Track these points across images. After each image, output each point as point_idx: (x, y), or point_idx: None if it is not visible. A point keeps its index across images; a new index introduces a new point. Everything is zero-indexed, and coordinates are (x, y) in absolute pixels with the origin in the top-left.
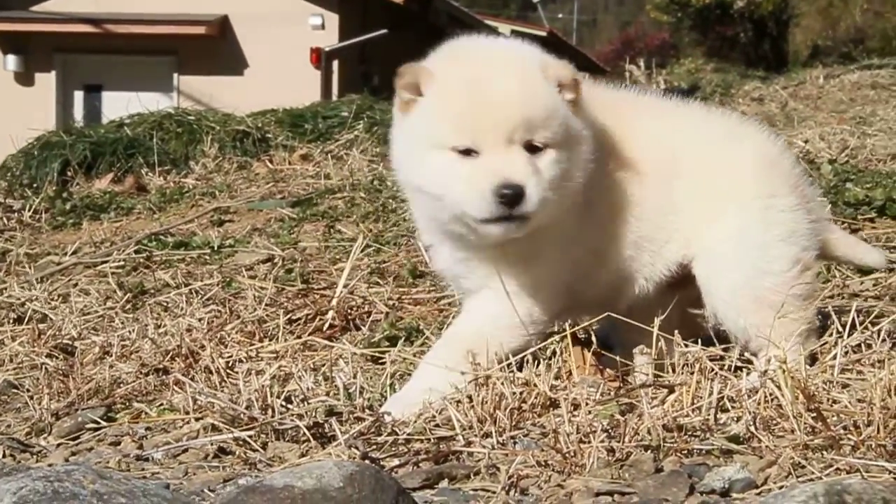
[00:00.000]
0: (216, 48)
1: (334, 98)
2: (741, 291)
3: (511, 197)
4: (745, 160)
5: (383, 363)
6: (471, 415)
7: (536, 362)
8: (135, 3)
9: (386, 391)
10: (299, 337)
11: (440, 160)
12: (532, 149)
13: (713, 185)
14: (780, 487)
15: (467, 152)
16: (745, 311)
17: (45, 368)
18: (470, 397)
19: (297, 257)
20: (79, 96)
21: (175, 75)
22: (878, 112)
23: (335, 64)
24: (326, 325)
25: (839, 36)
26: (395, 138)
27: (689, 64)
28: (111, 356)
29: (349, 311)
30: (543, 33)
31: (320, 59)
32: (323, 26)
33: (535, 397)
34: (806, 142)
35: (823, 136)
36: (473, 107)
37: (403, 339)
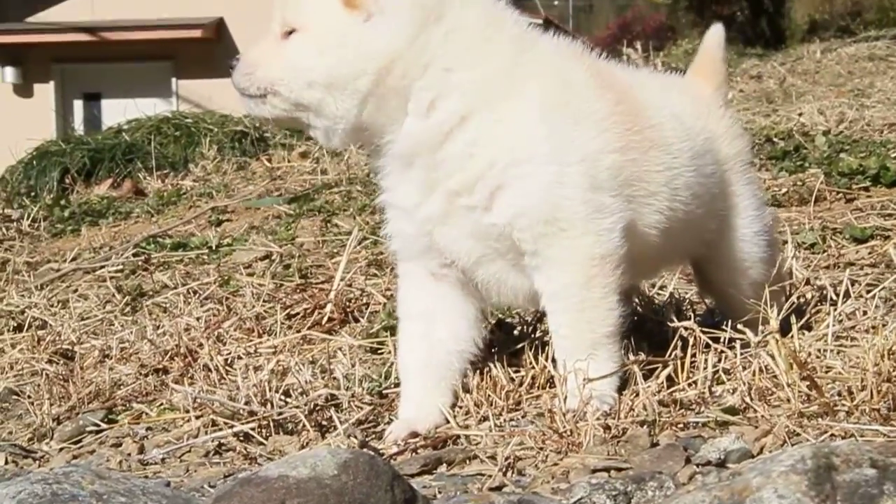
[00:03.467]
0: (213, 51)
1: None
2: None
3: (228, 67)
4: None
5: (382, 353)
6: (467, 399)
7: (533, 342)
8: (130, 9)
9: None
10: (298, 331)
11: None
12: (289, 34)
13: None
14: None
15: None
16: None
17: (46, 374)
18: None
19: (295, 253)
20: (78, 105)
21: (174, 80)
22: (875, 84)
23: None
24: (325, 318)
25: (836, 10)
26: None
27: (686, 45)
28: (111, 359)
29: (347, 303)
30: (539, 21)
31: None
32: None
33: (532, 378)
34: (800, 115)
35: (822, 110)
36: None
37: None
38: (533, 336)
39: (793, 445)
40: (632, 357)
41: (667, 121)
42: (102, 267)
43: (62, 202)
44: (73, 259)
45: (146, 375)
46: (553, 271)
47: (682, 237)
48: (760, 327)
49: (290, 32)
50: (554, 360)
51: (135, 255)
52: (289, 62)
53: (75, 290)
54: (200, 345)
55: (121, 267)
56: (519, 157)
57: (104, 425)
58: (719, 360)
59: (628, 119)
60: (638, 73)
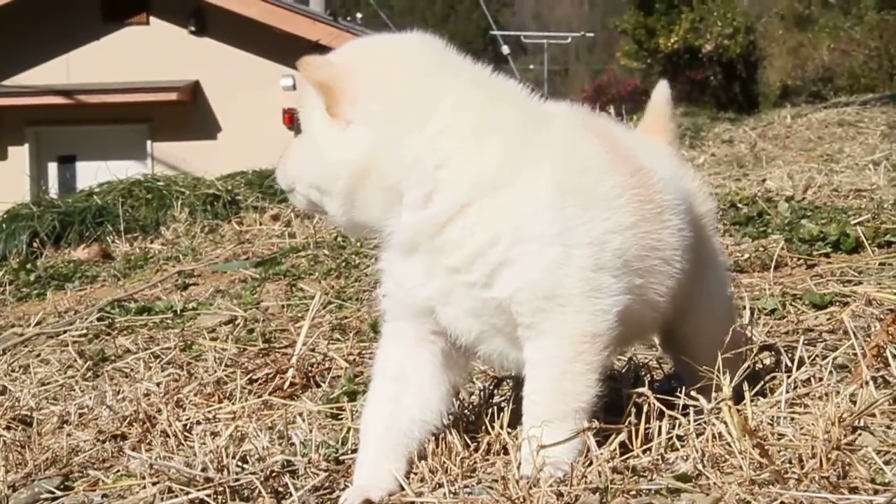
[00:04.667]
0: (189, 114)
1: None
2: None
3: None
4: None
5: (341, 418)
6: (423, 466)
7: (489, 407)
8: (106, 73)
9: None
10: (259, 396)
11: None
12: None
13: None
14: None
15: None
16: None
17: (3, 440)
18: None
19: (259, 317)
20: (53, 168)
21: (149, 142)
22: (844, 149)
23: None
24: (287, 383)
25: (808, 76)
26: None
27: None
28: (69, 425)
29: (309, 368)
30: None
31: (293, 119)
32: (294, 87)
33: (488, 444)
34: (764, 181)
35: (791, 175)
36: None
37: (363, 393)
38: (489, 402)
39: None
40: (585, 423)
41: (666, 183)
42: (66, 331)
43: (28, 266)
44: (38, 323)
45: (104, 442)
46: (543, 342)
47: (681, 287)
48: (714, 394)
49: None
50: (510, 427)
51: (99, 319)
52: (293, 162)
53: (38, 355)
54: (159, 410)
55: (84, 331)
56: (524, 235)
57: (59, 492)
58: (673, 427)
59: (641, 191)
60: (627, 131)
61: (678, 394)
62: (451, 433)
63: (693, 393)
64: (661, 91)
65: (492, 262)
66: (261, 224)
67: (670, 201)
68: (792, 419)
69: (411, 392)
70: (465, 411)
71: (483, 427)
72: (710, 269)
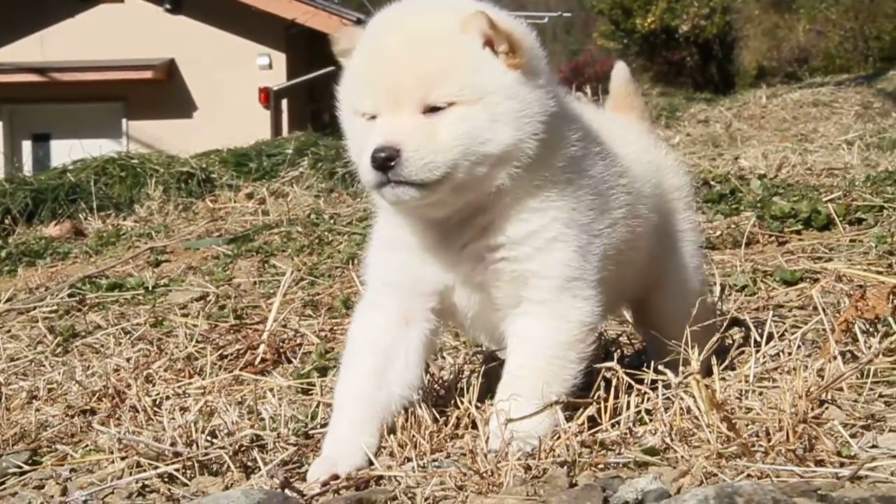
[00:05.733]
0: (164, 92)
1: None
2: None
3: (381, 160)
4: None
5: (312, 394)
6: (392, 440)
7: (458, 383)
8: (80, 50)
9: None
10: (230, 372)
11: (356, 127)
12: (436, 110)
13: None
14: None
15: (373, 117)
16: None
17: None
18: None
19: (231, 293)
20: (27, 146)
21: (124, 120)
22: (819, 129)
23: (284, 103)
24: (258, 359)
25: (784, 56)
26: None
27: None
28: (38, 400)
29: (281, 344)
30: None
31: (269, 98)
32: (270, 66)
33: (457, 419)
34: (737, 158)
35: (766, 154)
36: (369, 67)
37: (333, 368)
38: (459, 377)
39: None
40: (553, 398)
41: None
42: (36, 307)
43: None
44: (8, 300)
45: (72, 417)
46: (549, 322)
47: (645, 269)
48: (682, 368)
49: None
50: (479, 402)
51: (70, 295)
52: (456, 140)
53: (8, 331)
54: (129, 385)
55: (55, 307)
56: (570, 220)
57: (27, 467)
58: (642, 401)
59: (630, 186)
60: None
61: (647, 368)
62: (420, 407)
63: (661, 367)
64: (621, 70)
65: (541, 239)
66: (235, 202)
67: (641, 188)
68: (760, 393)
69: (397, 368)
70: (436, 386)
71: (452, 402)
72: (682, 243)
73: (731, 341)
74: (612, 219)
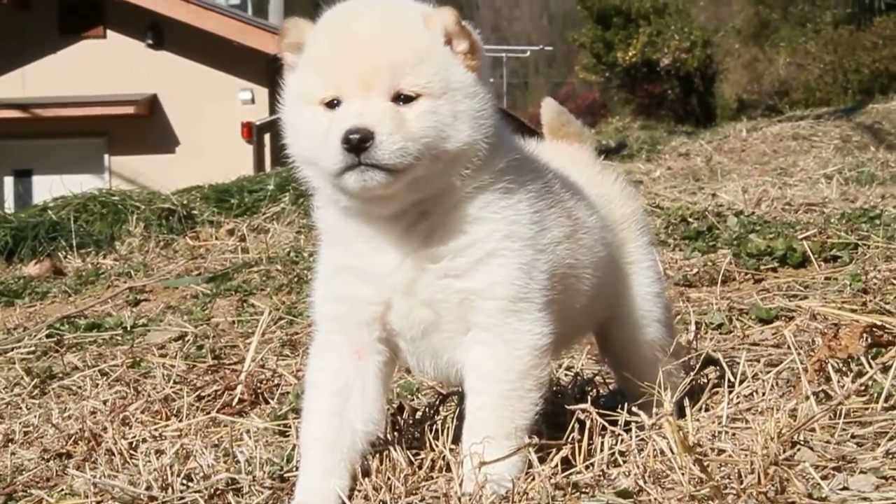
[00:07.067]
0: (146, 127)
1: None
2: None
3: (356, 142)
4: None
5: (289, 435)
6: (366, 483)
7: (433, 424)
8: (62, 86)
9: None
10: (207, 413)
11: (308, 116)
12: (404, 99)
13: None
14: None
15: (333, 104)
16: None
17: None
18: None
19: (210, 333)
20: (9, 182)
21: (106, 156)
22: (798, 162)
23: (267, 137)
24: (235, 400)
25: (764, 89)
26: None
27: (616, 122)
28: (14, 443)
29: (258, 384)
30: None
31: (252, 133)
32: (253, 100)
33: (432, 461)
34: (713, 195)
35: (745, 188)
36: (336, 53)
37: None
38: (433, 418)
39: None
40: (527, 440)
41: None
42: (13, 349)
43: None
44: None
45: (48, 460)
46: (500, 350)
47: (593, 303)
48: (655, 409)
49: None
50: (454, 444)
51: (47, 336)
52: (424, 129)
53: None
54: (105, 428)
55: (32, 348)
56: (511, 233)
57: None
58: (616, 443)
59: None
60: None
61: (620, 409)
62: (395, 450)
63: (635, 409)
64: (548, 104)
65: (478, 253)
66: (216, 238)
67: (583, 219)
68: (733, 434)
69: (355, 405)
70: (410, 427)
71: (427, 443)
72: (637, 273)
73: (705, 380)
74: (554, 236)
